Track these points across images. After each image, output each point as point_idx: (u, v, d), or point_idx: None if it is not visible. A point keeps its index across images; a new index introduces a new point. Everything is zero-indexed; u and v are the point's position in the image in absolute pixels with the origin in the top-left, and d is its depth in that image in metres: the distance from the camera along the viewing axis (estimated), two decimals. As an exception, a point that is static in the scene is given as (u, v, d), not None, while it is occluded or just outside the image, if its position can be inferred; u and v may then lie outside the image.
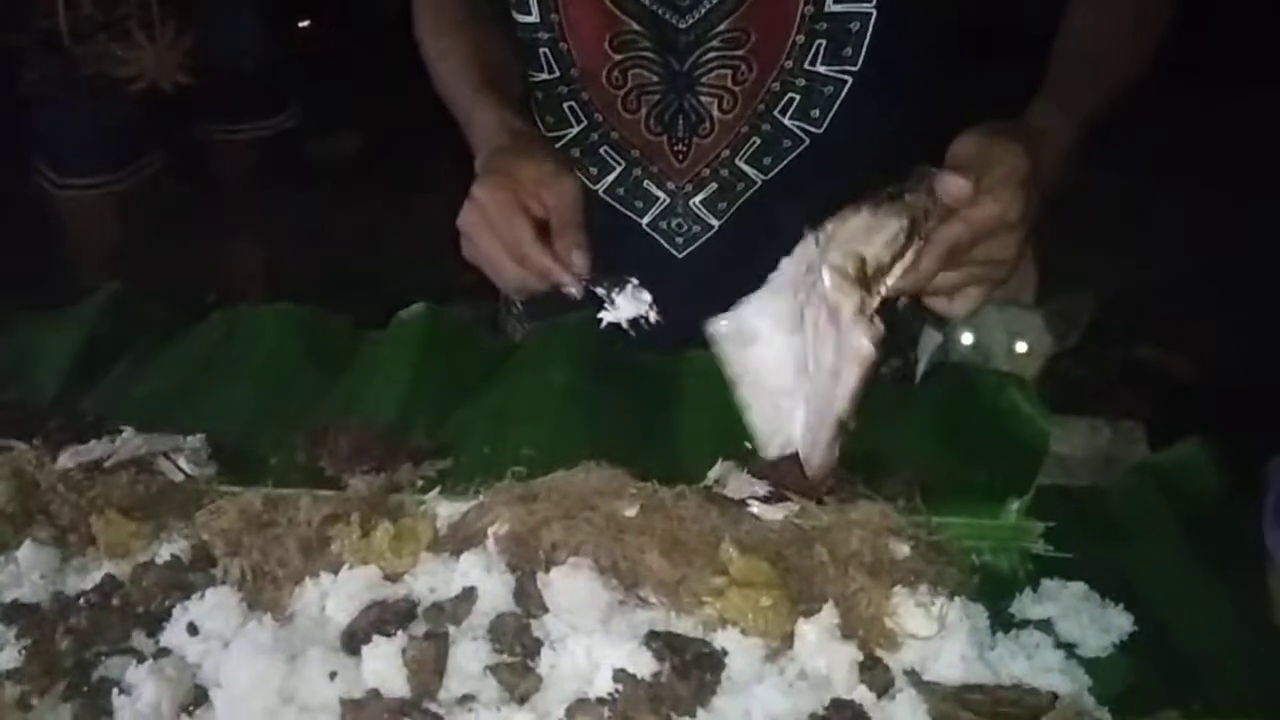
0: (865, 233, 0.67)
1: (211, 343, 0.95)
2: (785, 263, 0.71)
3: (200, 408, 0.87)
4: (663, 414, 0.84)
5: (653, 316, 0.75)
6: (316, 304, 0.99)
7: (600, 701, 0.58)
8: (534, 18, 0.91)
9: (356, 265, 2.45)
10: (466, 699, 0.59)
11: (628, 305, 0.75)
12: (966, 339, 1.31)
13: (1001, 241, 0.71)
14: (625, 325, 0.76)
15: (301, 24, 1.93)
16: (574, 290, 0.76)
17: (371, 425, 0.82)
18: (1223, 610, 0.66)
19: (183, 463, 0.78)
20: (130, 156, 1.80)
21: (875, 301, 0.66)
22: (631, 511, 0.68)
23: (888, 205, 0.68)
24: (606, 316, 0.76)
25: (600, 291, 0.76)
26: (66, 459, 0.76)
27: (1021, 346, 1.32)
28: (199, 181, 1.97)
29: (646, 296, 0.75)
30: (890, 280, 0.67)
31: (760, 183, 0.95)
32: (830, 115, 0.91)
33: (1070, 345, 1.31)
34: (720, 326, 0.72)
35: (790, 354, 0.70)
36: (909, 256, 0.68)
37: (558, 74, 0.94)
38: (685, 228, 0.98)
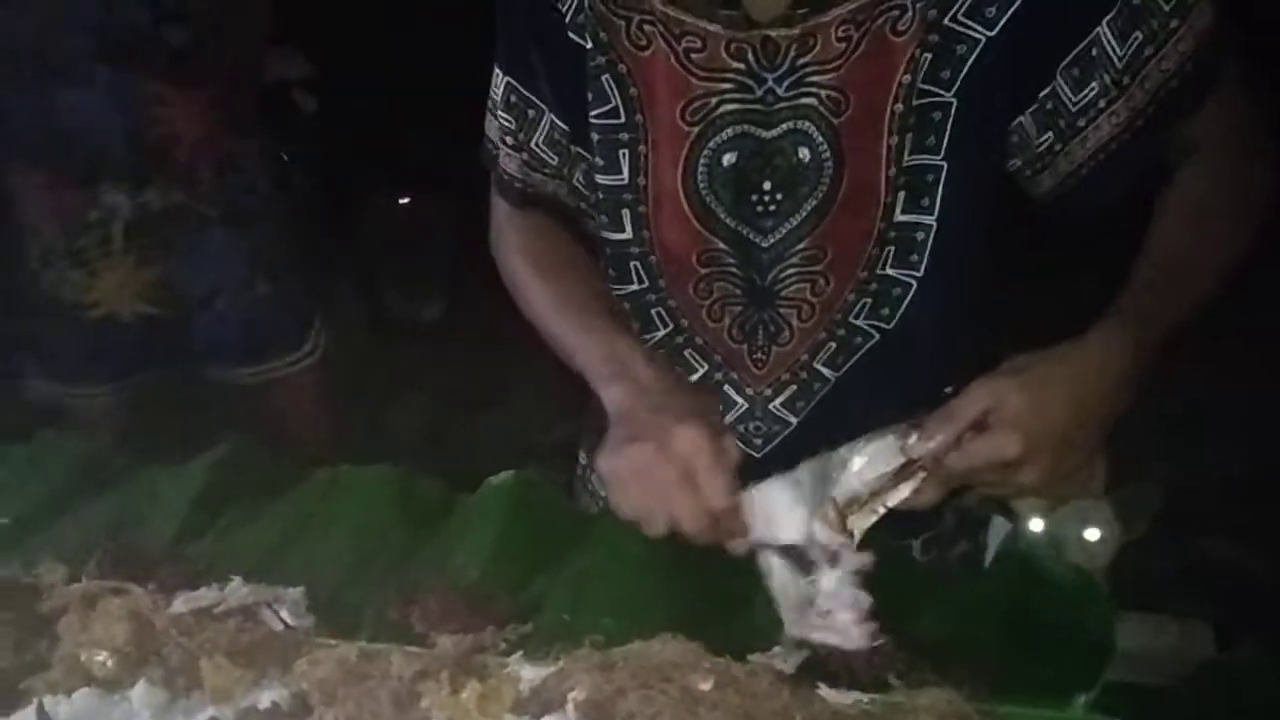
0: (868, 465, 0.78)
1: (313, 499, 1.01)
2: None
3: (300, 561, 0.93)
4: (738, 587, 0.87)
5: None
6: (409, 463, 1.06)
7: None
8: (627, 234, 0.97)
9: (443, 425, 2.54)
10: None
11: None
12: (1037, 526, 1.32)
13: (1022, 471, 0.76)
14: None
15: (402, 200, 2.06)
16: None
17: (459, 586, 0.87)
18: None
19: (284, 613, 0.83)
20: (114, 378, 1.72)
21: (866, 522, 0.77)
22: (706, 686, 0.72)
23: (897, 437, 0.78)
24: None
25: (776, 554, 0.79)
26: (180, 604, 0.82)
27: (1092, 535, 1.33)
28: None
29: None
30: (891, 502, 0.77)
31: (834, 380, 0.99)
32: (899, 313, 0.96)
33: (1139, 534, 1.31)
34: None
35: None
36: (915, 481, 0.77)
37: (647, 284, 0.99)
38: (764, 429, 1.02)
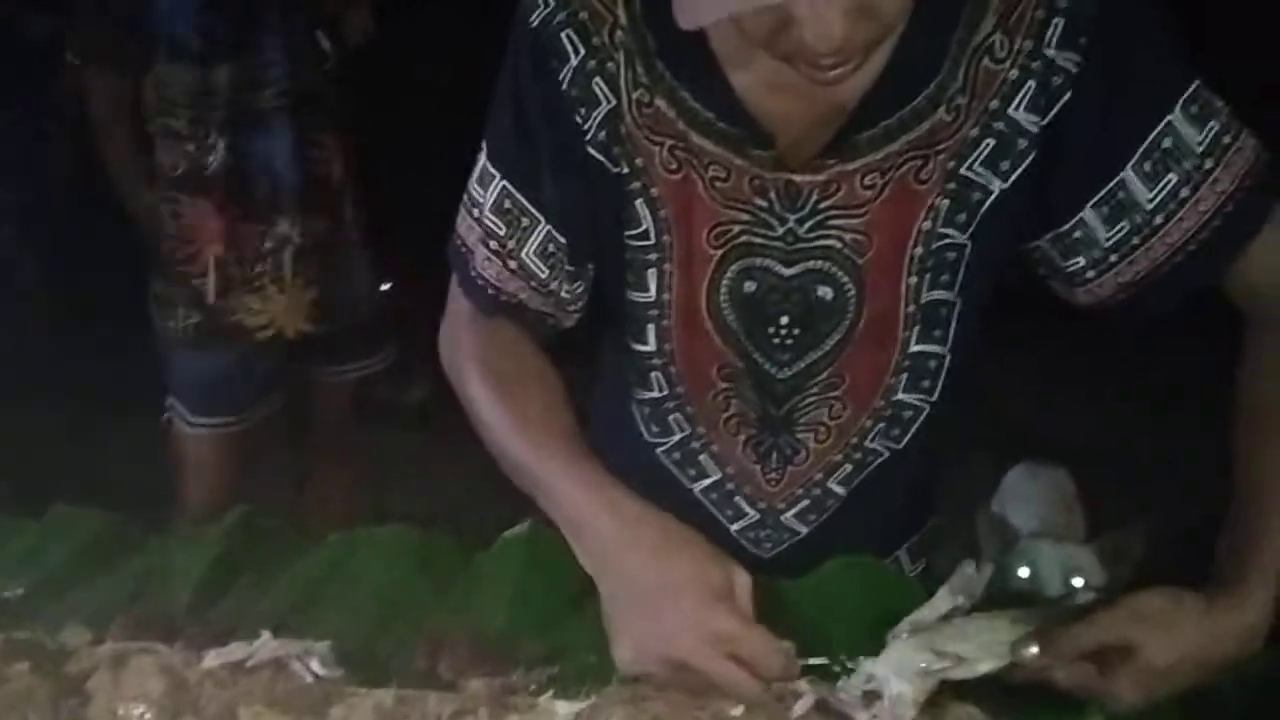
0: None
1: (332, 558, 1.03)
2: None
3: (321, 618, 0.94)
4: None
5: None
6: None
7: None
8: (651, 347, 0.98)
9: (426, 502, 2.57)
10: None
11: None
12: (1023, 573, 1.36)
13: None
14: None
15: (383, 287, 2.15)
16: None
17: (484, 635, 0.89)
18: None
19: (314, 664, 0.85)
20: (256, 399, 2.02)
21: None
22: (736, 711, 0.74)
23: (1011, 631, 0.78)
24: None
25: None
26: (211, 659, 0.83)
27: (1078, 582, 1.37)
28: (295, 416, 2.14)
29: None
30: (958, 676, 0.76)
31: (845, 494, 1.01)
32: (909, 435, 0.99)
33: (1125, 580, 1.35)
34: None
35: None
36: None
37: (667, 392, 1.00)
38: (774, 536, 1.03)
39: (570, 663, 0.86)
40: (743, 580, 0.79)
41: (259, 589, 0.99)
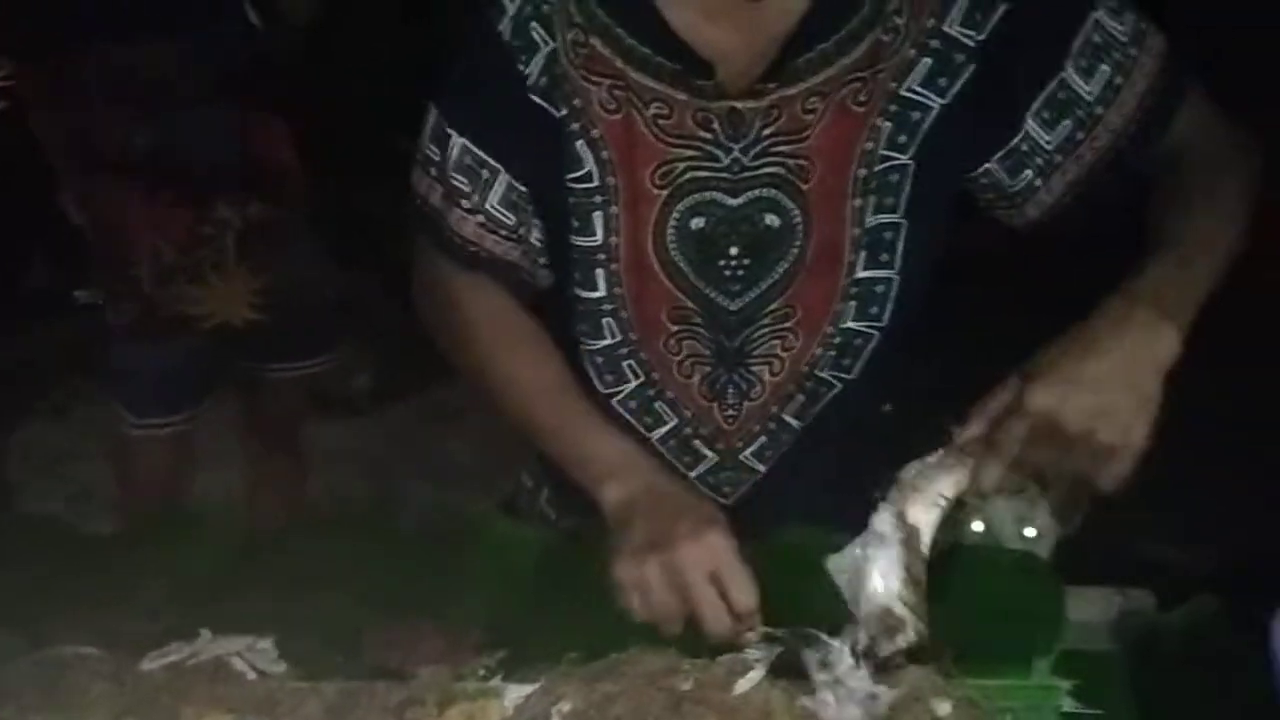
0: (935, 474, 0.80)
1: (269, 556, 1.01)
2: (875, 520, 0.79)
3: (261, 615, 0.92)
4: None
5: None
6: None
7: None
8: (601, 293, 0.98)
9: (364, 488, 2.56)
10: None
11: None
12: (978, 527, 1.37)
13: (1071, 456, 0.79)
14: None
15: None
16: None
17: (432, 624, 0.88)
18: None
19: (258, 662, 0.83)
20: (199, 397, 1.96)
21: (930, 516, 0.79)
22: (687, 686, 0.74)
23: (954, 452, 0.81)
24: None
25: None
26: (148, 661, 0.81)
27: (1030, 532, 1.38)
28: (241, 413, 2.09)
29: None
30: (949, 491, 0.80)
31: (800, 429, 1.02)
32: (860, 364, 0.99)
33: (1075, 529, 1.37)
34: (832, 563, 0.80)
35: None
36: (966, 468, 0.80)
37: (620, 339, 1.00)
38: (734, 478, 1.04)
39: (520, 647, 0.85)
40: (732, 536, 0.85)
41: (207, 590, 0.97)
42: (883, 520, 0.78)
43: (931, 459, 0.81)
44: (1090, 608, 0.88)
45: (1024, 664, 0.78)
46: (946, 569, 0.96)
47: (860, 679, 0.71)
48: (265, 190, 1.87)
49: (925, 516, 0.79)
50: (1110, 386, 0.78)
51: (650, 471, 0.92)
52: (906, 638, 0.74)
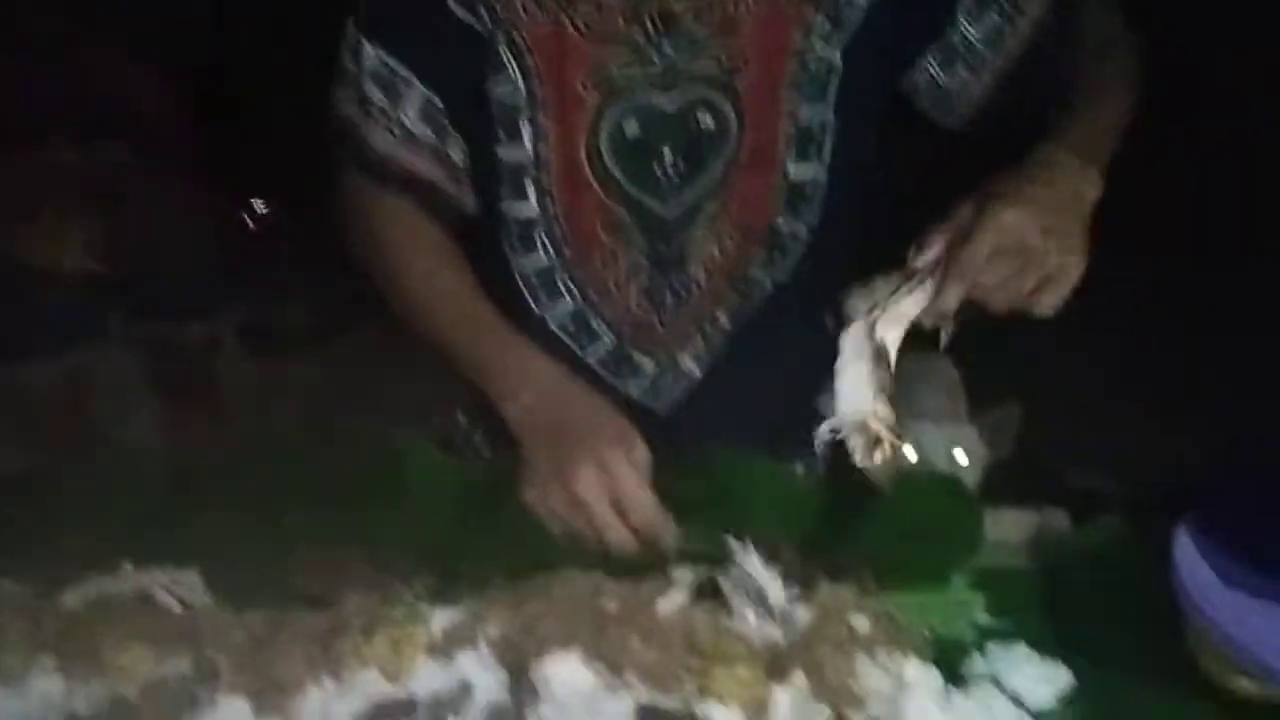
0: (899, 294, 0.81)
1: (194, 491, 0.99)
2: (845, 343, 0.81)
3: (187, 549, 0.91)
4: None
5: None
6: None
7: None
8: (531, 205, 0.97)
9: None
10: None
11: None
12: (910, 454, 1.39)
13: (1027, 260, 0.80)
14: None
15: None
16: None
17: (360, 552, 0.88)
18: (1149, 663, 0.73)
19: (183, 593, 0.82)
20: (50, 352, 1.77)
21: (896, 331, 0.80)
22: (613, 606, 0.74)
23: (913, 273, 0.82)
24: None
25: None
26: (68, 595, 0.80)
27: (961, 459, 1.41)
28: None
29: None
30: (911, 309, 0.81)
31: (733, 330, 1.03)
32: (793, 265, 1.01)
33: (1004, 455, 1.40)
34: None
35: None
36: (928, 289, 0.81)
37: (553, 254, 1.00)
38: (671, 385, 1.04)
39: (447, 573, 0.85)
40: (643, 451, 0.86)
41: (130, 517, 0.96)
42: (855, 338, 0.80)
43: (891, 279, 0.83)
44: (1008, 527, 0.90)
45: (942, 580, 0.80)
46: (868, 488, 0.98)
47: (777, 595, 0.73)
48: (120, 133, 1.75)
49: (892, 334, 0.81)
50: (1060, 212, 0.81)
51: (554, 382, 0.92)
52: (883, 452, 0.79)
